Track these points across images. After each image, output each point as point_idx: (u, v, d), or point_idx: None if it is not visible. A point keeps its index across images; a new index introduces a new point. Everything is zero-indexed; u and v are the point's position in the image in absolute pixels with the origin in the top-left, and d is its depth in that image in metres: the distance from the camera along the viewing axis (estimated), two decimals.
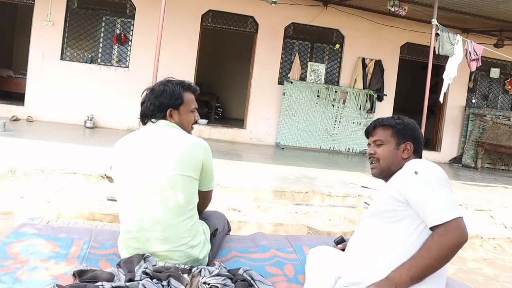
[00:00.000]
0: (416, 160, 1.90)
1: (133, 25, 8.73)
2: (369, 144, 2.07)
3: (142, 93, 2.21)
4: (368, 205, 5.22)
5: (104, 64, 8.74)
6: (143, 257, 2.02)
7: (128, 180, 2.07)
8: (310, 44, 9.65)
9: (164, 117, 2.14)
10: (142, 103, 2.18)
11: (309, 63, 9.58)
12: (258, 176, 5.93)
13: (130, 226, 2.08)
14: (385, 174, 1.98)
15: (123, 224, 2.13)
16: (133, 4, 8.67)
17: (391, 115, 2.16)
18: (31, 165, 4.93)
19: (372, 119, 9.60)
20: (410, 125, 2.01)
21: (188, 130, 2.22)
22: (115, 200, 4.56)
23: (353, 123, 9.54)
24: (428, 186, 1.74)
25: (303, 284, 2.10)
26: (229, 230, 2.68)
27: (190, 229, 2.09)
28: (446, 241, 1.64)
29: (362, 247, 1.89)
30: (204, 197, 2.22)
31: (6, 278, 1.88)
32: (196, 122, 2.27)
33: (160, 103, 2.13)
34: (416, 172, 1.79)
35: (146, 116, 2.16)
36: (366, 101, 9.51)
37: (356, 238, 1.97)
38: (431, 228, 1.71)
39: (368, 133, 2.09)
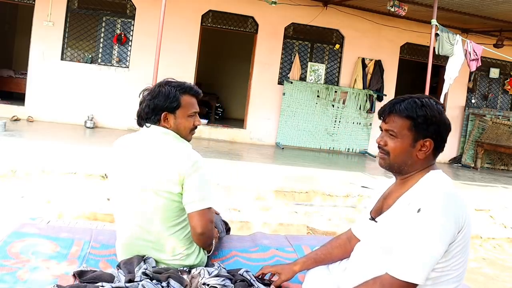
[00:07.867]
0: (433, 186, 1.59)
1: (133, 25, 8.73)
2: (381, 128, 1.71)
3: (140, 93, 2.13)
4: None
5: (104, 64, 8.74)
6: (143, 259, 2.03)
7: (118, 187, 2.08)
8: (310, 44, 9.65)
9: (158, 121, 2.03)
10: (140, 104, 2.10)
11: (309, 63, 9.57)
12: (258, 176, 5.93)
13: (123, 232, 2.10)
14: (394, 170, 1.70)
15: (117, 229, 2.15)
16: (133, 4, 8.67)
17: (413, 97, 1.67)
18: (32, 165, 4.94)
19: (372, 119, 9.69)
20: (436, 118, 1.66)
21: (186, 136, 2.09)
22: None
23: (353, 123, 9.54)
24: (419, 234, 1.49)
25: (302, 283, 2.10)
26: (228, 229, 2.68)
27: (185, 238, 2.06)
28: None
29: (364, 270, 1.72)
30: (191, 219, 1.98)
31: (7, 278, 1.89)
32: (195, 128, 2.12)
33: (154, 105, 2.01)
34: (419, 210, 1.52)
35: (142, 118, 2.07)
36: (366, 101, 9.51)
37: (357, 260, 1.79)
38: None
39: (382, 115, 1.70)
